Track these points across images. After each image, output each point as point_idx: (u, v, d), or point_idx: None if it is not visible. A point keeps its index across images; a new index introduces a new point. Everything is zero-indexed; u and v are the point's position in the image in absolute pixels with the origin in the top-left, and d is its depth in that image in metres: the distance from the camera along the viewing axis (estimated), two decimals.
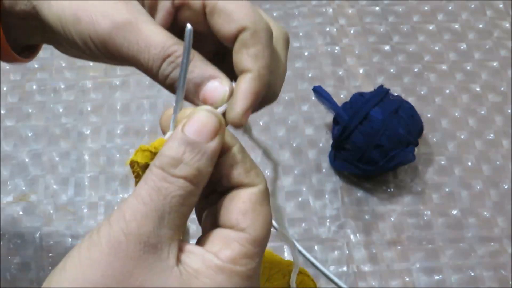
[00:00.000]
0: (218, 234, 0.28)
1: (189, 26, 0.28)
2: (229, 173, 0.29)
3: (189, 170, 0.27)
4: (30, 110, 0.68)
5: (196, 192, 0.27)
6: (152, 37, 0.30)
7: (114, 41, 0.30)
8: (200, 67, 0.31)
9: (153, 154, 0.29)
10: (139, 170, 0.30)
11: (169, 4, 0.33)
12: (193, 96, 0.31)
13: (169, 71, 0.31)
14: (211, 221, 0.30)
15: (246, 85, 0.30)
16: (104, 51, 0.31)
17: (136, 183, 0.30)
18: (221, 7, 0.31)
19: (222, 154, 0.29)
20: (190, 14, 0.32)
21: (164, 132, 0.31)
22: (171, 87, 0.31)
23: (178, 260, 0.27)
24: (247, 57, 0.30)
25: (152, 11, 0.33)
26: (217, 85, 0.31)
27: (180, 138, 0.27)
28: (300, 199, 0.63)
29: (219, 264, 0.27)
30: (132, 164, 0.30)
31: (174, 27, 0.33)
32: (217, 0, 0.31)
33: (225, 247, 0.27)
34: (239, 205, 0.28)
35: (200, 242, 0.29)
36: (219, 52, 0.34)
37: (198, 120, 0.28)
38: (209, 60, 0.31)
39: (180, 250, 0.27)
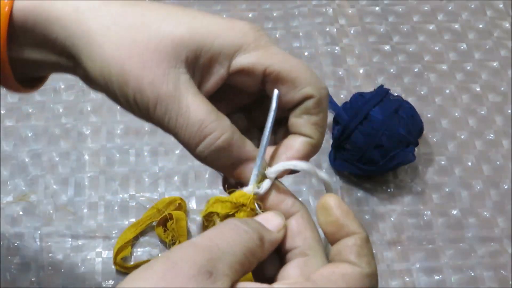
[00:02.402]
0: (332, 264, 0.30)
1: (276, 91, 0.30)
2: (342, 250, 0.30)
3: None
4: (30, 110, 0.68)
5: (258, 253, 0.29)
6: (192, 114, 0.30)
7: (156, 111, 0.31)
8: (238, 146, 0.32)
9: (234, 205, 0.32)
10: (217, 219, 0.32)
11: (225, 71, 0.32)
12: (224, 171, 0.33)
13: (205, 154, 0.31)
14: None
15: (305, 150, 0.34)
16: (145, 116, 0.32)
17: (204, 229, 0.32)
18: (285, 76, 0.32)
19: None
20: (247, 80, 0.33)
21: (244, 182, 0.33)
22: (208, 164, 0.32)
23: None
24: (309, 125, 0.33)
25: (205, 73, 0.32)
26: (249, 168, 0.33)
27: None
28: (300, 199, 0.62)
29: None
30: (211, 215, 0.32)
31: (225, 87, 0.33)
32: (281, 67, 0.32)
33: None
34: (352, 248, 0.30)
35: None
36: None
37: (266, 215, 0.32)
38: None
39: None
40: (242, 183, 0.33)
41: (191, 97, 0.31)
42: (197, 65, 0.32)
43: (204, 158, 0.32)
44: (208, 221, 0.32)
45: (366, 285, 0.29)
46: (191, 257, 0.26)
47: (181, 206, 0.60)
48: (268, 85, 0.33)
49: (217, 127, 0.31)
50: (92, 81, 0.32)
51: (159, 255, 0.27)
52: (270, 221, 0.31)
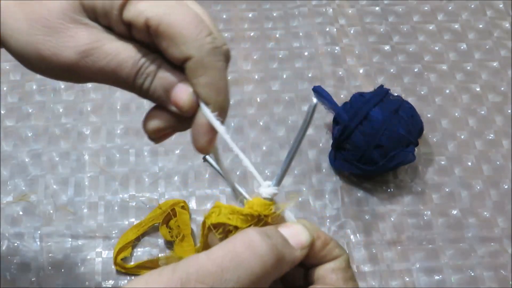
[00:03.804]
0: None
1: (314, 100, 0.28)
2: (327, 274, 0.30)
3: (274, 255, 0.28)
4: (30, 110, 0.68)
5: (271, 277, 0.28)
6: (121, 55, 0.30)
7: (82, 68, 0.31)
8: (168, 73, 0.31)
9: (253, 217, 0.30)
10: (232, 230, 0.30)
11: (123, 28, 0.31)
12: (165, 101, 0.32)
13: (141, 82, 0.31)
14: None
15: (206, 120, 0.31)
16: (73, 77, 0.32)
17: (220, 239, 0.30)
18: (164, 29, 0.29)
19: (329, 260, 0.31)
20: (136, 33, 0.31)
21: (180, 107, 0.32)
22: (147, 95, 0.32)
23: None
24: (200, 89, 0.31)
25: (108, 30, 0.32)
26: (184, 88, 0.31)
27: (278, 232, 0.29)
28: (300, 199, 0.63)
29: None
30: (222, 225, 0.30)
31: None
32: (159, 21, 0.29)
33: None
34: (337, 273, 0.30)
35: None
36: None
37: (294, 227, 0.30)
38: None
39: None
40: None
41: (114, 40, 0.31)
42: (99, 21, 0.31)
43: (141, 87, 0.31)
44: (216, 228, 0.30)
45: None
46: (191, 279, 0.26)
47: (184, 208, 0.60)
48: (155, 41, 0.30)
49: (147, 57, 0.31)
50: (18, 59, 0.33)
51: (167, 264, 0.26)
52: (296, 236, 0.30)
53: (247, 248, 0.27)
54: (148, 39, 0.31)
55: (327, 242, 0.31)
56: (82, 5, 0.31)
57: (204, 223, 0.31)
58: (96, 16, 0.31)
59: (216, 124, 0.31)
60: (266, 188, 0.31)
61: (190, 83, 0.31)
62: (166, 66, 0.31)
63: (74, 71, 0.31)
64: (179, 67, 0.31)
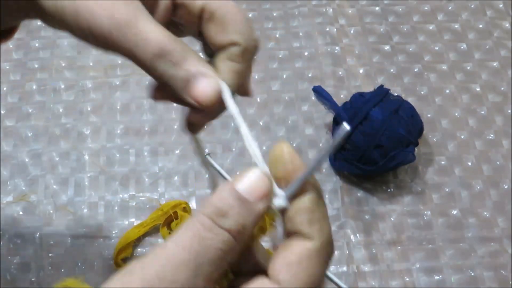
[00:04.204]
0: (256, 280, 0.27)
1: (347, 127, 0.25)
2: (294, 217, 0.27)
3: (235, 224, 0.26)
4: (30, 110, 0.68)
5: (236, 249, 0.26)
6: (150, 35, 0.30)
7: (113, 38, 0.30)
8: (193, 66, 0.31)
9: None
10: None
11: (169, 4, 0.33)
12: (182, 92, 0.31)
13: (162, 68, 0.31)
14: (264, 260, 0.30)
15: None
16: (102, 44, 0.31)
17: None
18: (219, 16, 0.32)
19: (296, 197, 0.28)
20: (186, 15, 0.33)
21: (200, 101, 0.32)
22: (162, 80, 0.32)
23: None
24: (229, 71, 0.32)
25: (152, 9, 0.33)
26: (206, 83, 0.31)
27: (231, 191, 0.27)
28: None
29: None
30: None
31: (170, 25, 0.34)
32: (216, 8, 0.32)
33: None
34: (287, 255, 0.26)
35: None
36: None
37: (251, 179, 0.27)
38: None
39: None
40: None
41: (149, 21, 0.31)
42: None
43: (161, 74, 0.31)
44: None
45: (325, 260, 0.27)
46: (170, 278, 0.25)
47: (186, 210, 0.60)
48: (204, 25, 0.33)
49: (176, 46, 0.31)
50: (49, 19, 0.32)
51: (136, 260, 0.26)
52: (254, 189, 0.27)
53: (208, 230, 0.26)
54: (189, 22, 0.33)
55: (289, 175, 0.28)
56: None
57: None
58: None
59: (235, 110, 0.31)
60: (277, 199, 0.28)
61: (218, 63, 0.32)
62: (192, 58, 0.31)
63: (103, 39, 0.31)
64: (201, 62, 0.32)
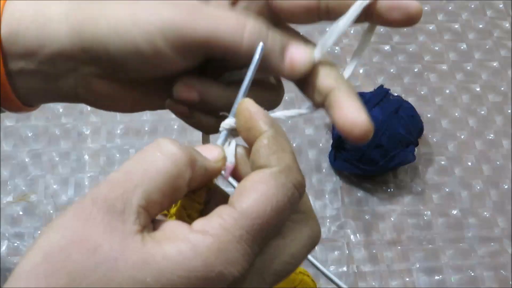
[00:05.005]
0: (217, 208, 0.26)
1: (261, 44, 0.28)
2: (254, 157, 0.27)
3: (190, 152, 0.27)
4: None
5: (185, 176, 0.26)
6: (226, 14, 0.29)
7: (188, 28, 0.28)
8: (280, 34, 0.30)
9: None
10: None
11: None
12: (279, 61, 0.30)
13: (253, 40, 0.29)
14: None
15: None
16: (177, 44, 0.29)
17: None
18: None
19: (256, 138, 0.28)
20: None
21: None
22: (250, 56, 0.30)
23: (148, 231, 0.25)
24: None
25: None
26: (302, 47, 0.31)
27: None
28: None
29: (186, 234, 0.24)
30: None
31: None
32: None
33: (203, 220, 0.25)
34: (242, 183, 0.26)
35: None
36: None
37: (206, 145, 0.29)
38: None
39: (157, 227, 0.25)
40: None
41: (218, 5, 0.30)
42: None
43: (250, 47, 0.30)
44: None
45: (282, 182, 0.25)
46: (101, 195, 0.24)
47: None
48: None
49: (253, 22, 0.30)
50: (96, 59, 0.30)
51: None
52: (208, 150, 0.28)
53: (153, 150, 0.26)
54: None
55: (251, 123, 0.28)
56: None
57: None
58: None
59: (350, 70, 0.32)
60: (227, 120, 0.30)
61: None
62: (274, 29, 0.30)
63: (178, 34, 0.29)
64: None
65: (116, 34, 0.29)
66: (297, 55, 0.31)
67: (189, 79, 0.31)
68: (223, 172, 0.29)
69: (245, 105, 0.28)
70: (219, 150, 0.28)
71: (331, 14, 0.31)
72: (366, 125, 0.29)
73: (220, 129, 0.30)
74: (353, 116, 0.29)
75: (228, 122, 0.29)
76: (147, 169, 0.25)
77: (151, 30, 0.28)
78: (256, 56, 0.29)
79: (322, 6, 0.31)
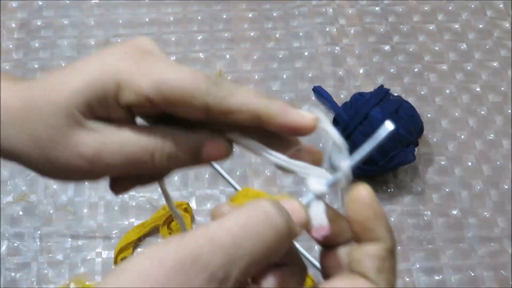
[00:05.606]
0: (348, 276, 0.27)
1: (391, 126, 0.27)
2: (362, 259, 0.27)
3: (288, 223, 0.26)
4: None
5: (281, 249, 0.26)
6: (130, 147, 0.29)
7: (97, 170, 0.29)
8: (186, 141, 0.30)
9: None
10: None
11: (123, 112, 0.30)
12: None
13: (163, 162, 0.29)
14: (334, 264, 0.30)
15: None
16: (91, 176, 0.29)
17: None
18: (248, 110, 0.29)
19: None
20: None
21: None
22: (168, 170, 0.31)
23: None
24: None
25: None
26: (215, 142, 0.30)
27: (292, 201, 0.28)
28: (299, 199, 0.63)
29: None
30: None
31: None
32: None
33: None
34: (373, 260, 0.27)
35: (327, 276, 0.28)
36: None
37: (293, 203, 0.28)
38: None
39: None
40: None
41: (116, 133, 0.29)
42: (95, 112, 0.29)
43: (165, 168, 0.30)
44: None
45: None
46: (204, 256, 0.23)
47: (187, 210, 0.60)
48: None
49: (157, 137, 0.29)
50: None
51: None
52: (296, 213, 0.27)
53: (263, 220, 0.25)
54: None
55: (368, 224, 0.28)
56: (89, 102, 0.28)
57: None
58: (95, 108, 0.28)
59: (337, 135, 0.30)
60: (317, 184, 0.29)
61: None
62: (178, 136, 0.29)
63: (88, 174, 0.29)
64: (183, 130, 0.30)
65: None
66: (214, 150, 0.31)
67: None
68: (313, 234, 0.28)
69: (368, 199, 0.28)
70: (304, 214, 0.28)
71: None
72: (312, 116, 0.30)
73: (310, 190, 0.29)
74: (297, 112, 0.30)
75: (320, 189, 0.29)
76: (254, 243, 0.24)
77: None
78: (383, 134, 0.27)
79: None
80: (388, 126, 0.27)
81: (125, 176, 0.31)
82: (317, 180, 0.29)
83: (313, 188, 0.29)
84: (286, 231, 0.25)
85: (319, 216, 0.28)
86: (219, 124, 0.30)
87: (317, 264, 0.58)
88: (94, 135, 0.28)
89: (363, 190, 0.28)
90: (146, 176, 0.32)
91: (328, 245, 0.30)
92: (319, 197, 0.29)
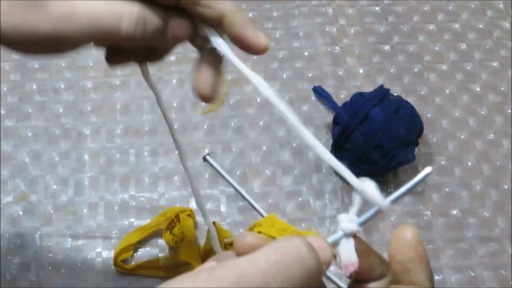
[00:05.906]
0: None
1: (429, 170, 0.29)
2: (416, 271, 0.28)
3: (319, 263, 0.26)
4: (30, 110, 0.68)
5: None
6: (97, 11, 0.30)
7: (62, 35, 0.29)
8: (157, 15, 0.32)
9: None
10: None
11: None
12: (158, 39, 0.32)
13: (132, 30, 0.31)
14: None
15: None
16: (60, 46, 0.31)
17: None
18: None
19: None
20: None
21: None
22: (137, 41, 0.32)
23: None
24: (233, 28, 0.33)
25: None
26: (179, 21, 0.33)
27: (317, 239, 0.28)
28: (300, 199, 0.63)
29: None
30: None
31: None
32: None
33: None
34: None
35: None
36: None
37: (319, 241, 0.28)
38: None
39: None
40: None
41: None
42: None
43: (134, 36, 0.31)
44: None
45: None
46: None
47: (190, 216, 0.59)
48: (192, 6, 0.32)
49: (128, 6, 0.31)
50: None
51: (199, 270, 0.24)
52: (322, 251, 0.27)
53: (295, 259, 0.24)
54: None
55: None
56: None
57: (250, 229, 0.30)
58: None
59: (231, 55, 0.33)
60: (347, 222, 0.29)
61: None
62: (148, 6, 0.31)
63: (55, 40, 0.30)
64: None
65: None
66: (177, 28, 0.32)
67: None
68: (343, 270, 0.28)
69: (414, 241, 0.28)
70: (331, 253, 0.27)
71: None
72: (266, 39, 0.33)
73: (341, 228, 0.29)
74: (256, 32, 0.33)
75: (350, 227, 0.29)
76: (284, 281, 0.24)
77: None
78: (420, 176, 0.29)
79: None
80: (427, 170, 0.30)
81: (119, 49, 0.33)
82: (347, 217, 0.29)
83: (343, 226, 0.29)
84: (318, 271, 0.25)
85: (348, 253, 0.28)
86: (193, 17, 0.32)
87: None
88: None
89: (409, 231, 0.28)
90: (140, 52, 0.34)
91: (358, 280, 0.30)
92: (350, 235, 0.29)
